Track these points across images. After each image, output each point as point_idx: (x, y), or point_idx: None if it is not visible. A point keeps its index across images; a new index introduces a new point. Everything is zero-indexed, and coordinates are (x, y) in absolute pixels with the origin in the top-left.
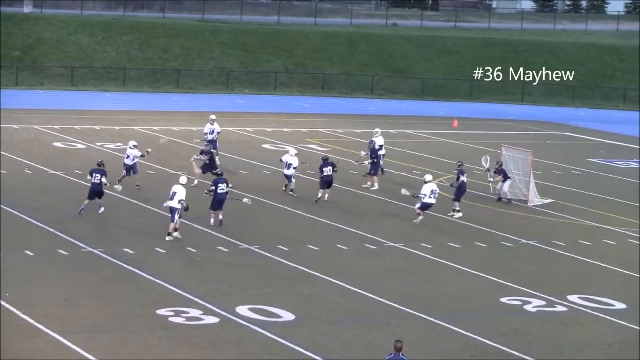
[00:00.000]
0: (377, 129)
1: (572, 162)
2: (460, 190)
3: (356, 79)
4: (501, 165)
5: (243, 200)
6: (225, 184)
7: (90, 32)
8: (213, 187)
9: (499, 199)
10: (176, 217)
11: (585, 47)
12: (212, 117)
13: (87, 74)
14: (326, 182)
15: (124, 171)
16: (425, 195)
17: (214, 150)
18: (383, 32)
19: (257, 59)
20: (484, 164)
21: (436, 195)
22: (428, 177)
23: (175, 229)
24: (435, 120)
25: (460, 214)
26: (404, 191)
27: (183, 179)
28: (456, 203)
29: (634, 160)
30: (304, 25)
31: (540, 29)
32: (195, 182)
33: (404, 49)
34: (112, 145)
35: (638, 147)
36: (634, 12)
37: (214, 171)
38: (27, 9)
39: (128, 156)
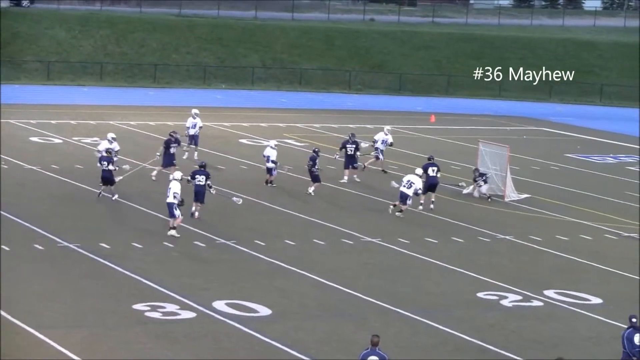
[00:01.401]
0: (388, 127)
1: (550, 158)
2: (425, 184)
3: (333, 74)
4: (479, 171)
5: (233, 199)
6: (204, 177)
7: (66, 26)
8: (190, 178)
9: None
10: (175, 212)
11: (563, 42)
12: (195, 111)
13: (64, 69)
14: (311, 176)
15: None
16: (400, 184)
17: (193, 146)
18: (360, 27)
19: (234, 54)
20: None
21: (412, 186)
22: (418, 170)
23: (173, 227)
24: (413, 115)
25: (430, 207)
26: (393, 184)
27: (177, 174)
28: (422, 196)
29: (610, 155)
30: (281, 20)
31: (518, 25)
32: (155, 173)
33: (381, 44)
34: (88, 140)
35: (637, 146)
36: (611, 8)
37: (174, 161)
38: (3, 3)
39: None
